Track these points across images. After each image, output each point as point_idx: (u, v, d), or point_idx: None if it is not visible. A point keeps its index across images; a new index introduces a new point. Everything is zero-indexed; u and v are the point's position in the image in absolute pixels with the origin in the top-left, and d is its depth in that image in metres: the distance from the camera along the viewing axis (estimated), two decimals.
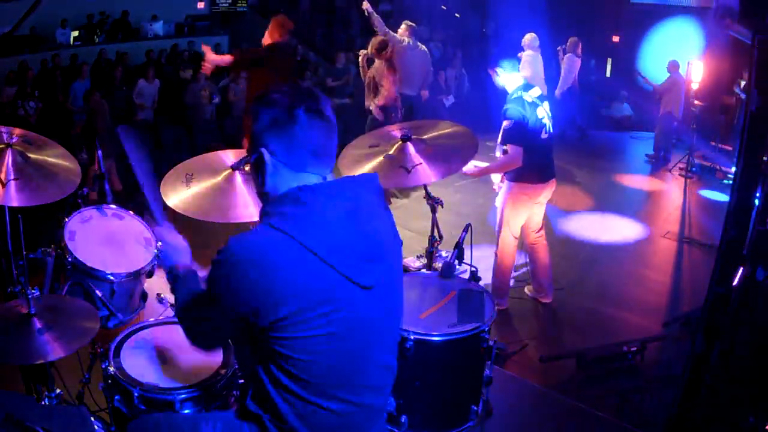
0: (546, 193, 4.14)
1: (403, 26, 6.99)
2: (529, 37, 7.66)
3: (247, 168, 1.66)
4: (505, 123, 3.85)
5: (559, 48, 8.95)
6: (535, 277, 4.48)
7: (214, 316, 1.61)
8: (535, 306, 4.51)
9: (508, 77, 4.01)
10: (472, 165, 3.85)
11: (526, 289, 4.64)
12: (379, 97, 6.25)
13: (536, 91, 3.96)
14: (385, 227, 1.65)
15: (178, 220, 2.20)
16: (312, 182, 1.56)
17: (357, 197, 1.56)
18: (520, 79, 4.00)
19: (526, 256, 4.49)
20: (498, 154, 4.11)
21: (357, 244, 1.53)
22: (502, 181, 4.17)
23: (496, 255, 4.26)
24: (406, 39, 6.86)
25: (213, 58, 4.92)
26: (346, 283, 1.52)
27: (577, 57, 8.24)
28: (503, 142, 3.90)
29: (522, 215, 4.14)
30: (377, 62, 6.24)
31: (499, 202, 4.18)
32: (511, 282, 4.77)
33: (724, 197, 7.20)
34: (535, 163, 3.91)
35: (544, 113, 3.95)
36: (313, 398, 1.55)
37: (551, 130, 4.04)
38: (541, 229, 4.34)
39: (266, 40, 5.07)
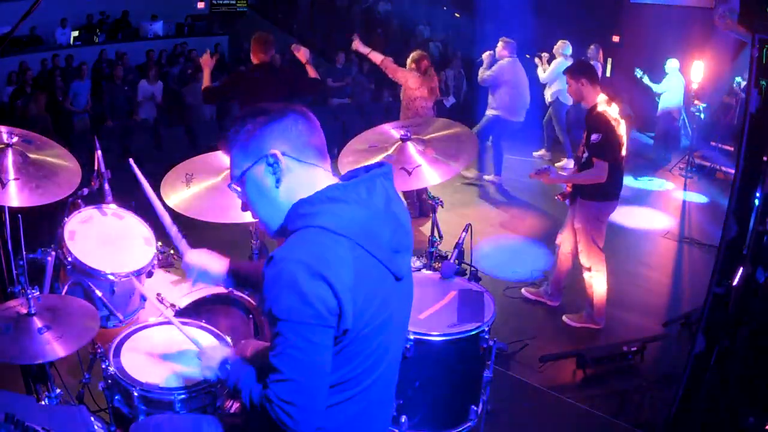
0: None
1: (500, 43, 6.60)
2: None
3: (236, 187, 1.59)
4: (593, 136, 3.78)
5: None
6: (556, 283, 4.44)
7: (310, 354, 1.42)
8: (535, 306, 4.50)
9: (590, 89, 3.89)
10: (550, 172, 3.89)
11: (523, 290, 4.63)
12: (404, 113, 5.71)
13: (615, 108, 3.89)
14: (407, 216, 1.64)
15: (178, 219, 2.20)
16: (331, 179, 1.56)
17: (385, 188, 1.55)
18: (599, 94, 3.90)
19: (553, 261, 4.44)
20: (569, 165, 3.99)
21: (393, 235, 1.53)
22: (565, 199, 4.08)
23: (592, 280, 4.11)
24: (506, 57, 6.40)
25: (207, 61, 4.76)
26: (389, 276, 1.53)
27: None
28: (590, 155, 3.81)
29: (604, 230, 4.07)
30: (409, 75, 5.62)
31: (578, 223, 4.06)
32: (510, 282, 4.77)
33: (723, 197, 7.20)
34: (614, 181, 3.87)
35: (624, 131, 3.89)
36: (341, 394, 1.53)
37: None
38: None
39: (253, 59, 4.78)
